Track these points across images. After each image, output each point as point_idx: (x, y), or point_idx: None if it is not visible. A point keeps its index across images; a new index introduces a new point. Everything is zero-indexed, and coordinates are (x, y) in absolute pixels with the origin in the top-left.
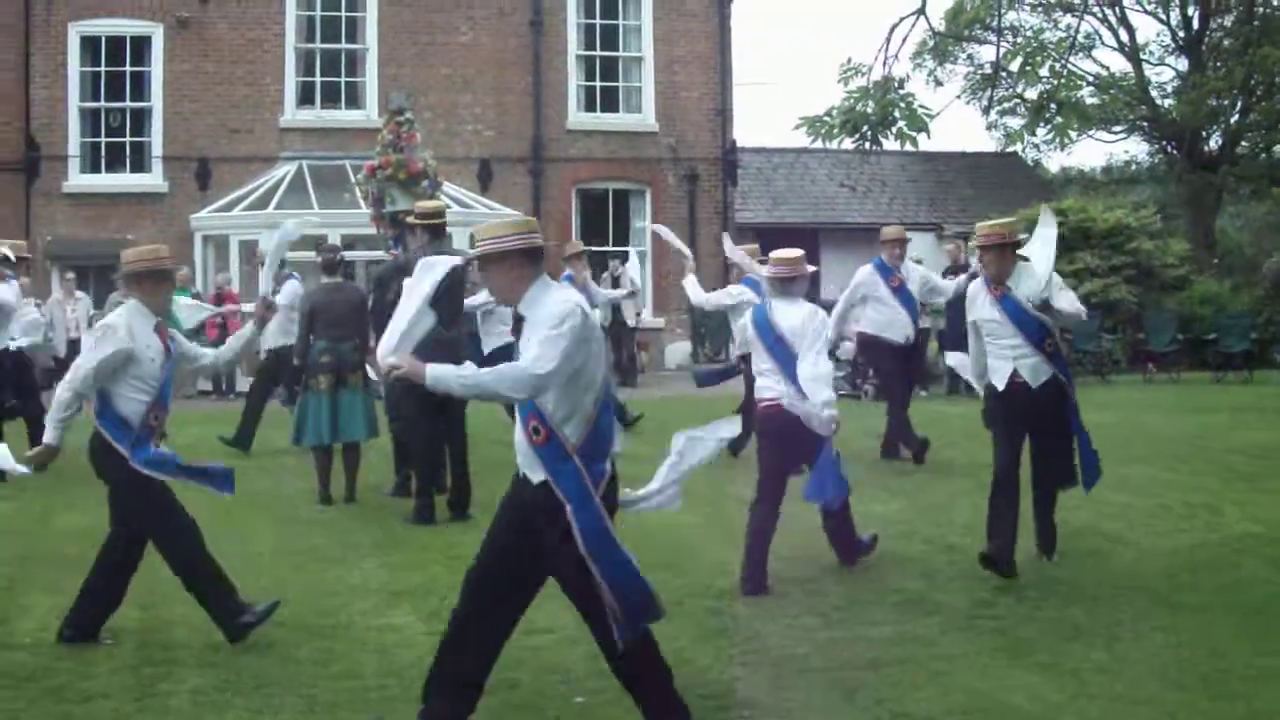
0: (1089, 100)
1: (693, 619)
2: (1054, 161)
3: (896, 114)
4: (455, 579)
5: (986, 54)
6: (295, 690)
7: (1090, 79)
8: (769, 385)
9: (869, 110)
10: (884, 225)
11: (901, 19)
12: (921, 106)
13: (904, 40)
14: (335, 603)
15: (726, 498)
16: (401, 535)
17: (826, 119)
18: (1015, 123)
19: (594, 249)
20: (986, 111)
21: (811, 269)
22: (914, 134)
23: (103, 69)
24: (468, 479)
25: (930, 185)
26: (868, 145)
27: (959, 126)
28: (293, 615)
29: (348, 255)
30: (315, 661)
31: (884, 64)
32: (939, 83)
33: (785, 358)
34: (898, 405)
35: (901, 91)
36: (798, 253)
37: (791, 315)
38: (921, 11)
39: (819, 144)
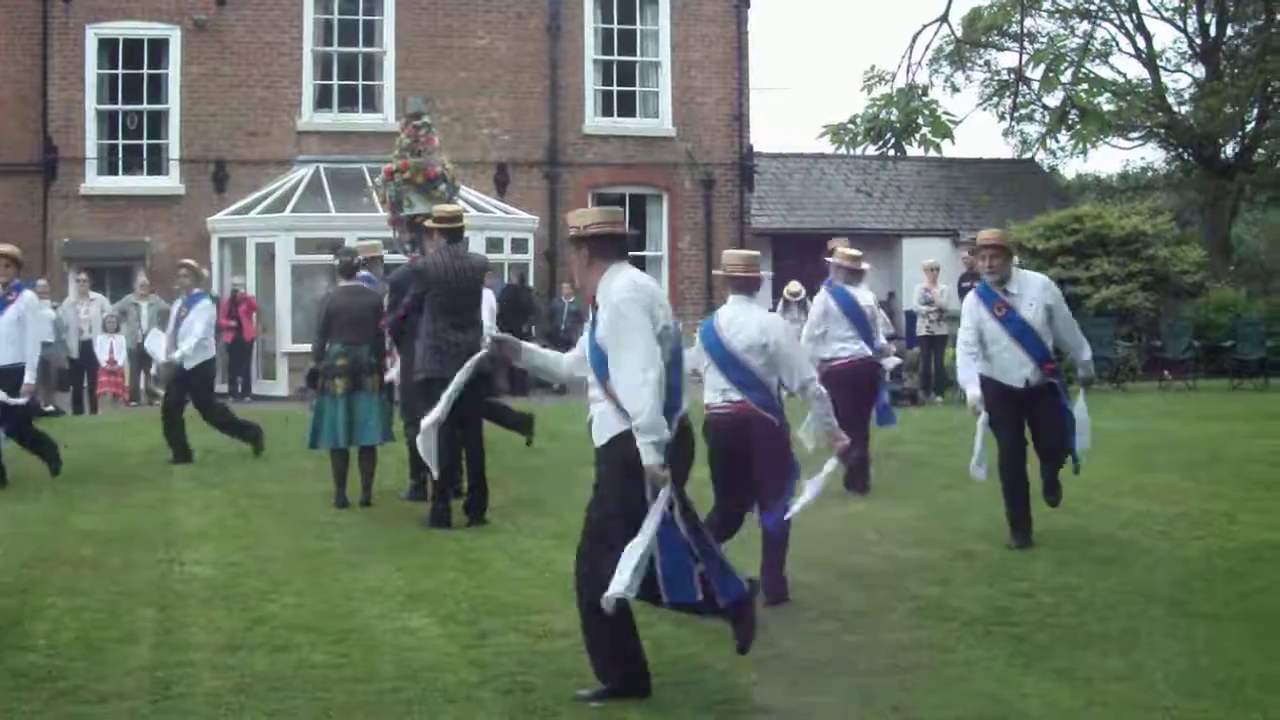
0: (1106, 107)
1: (708, 625)
2: (1070, 168)
3: (920, 121)
4: (471, 583)
5: (1004, 60)
6: (311, 694)
7: (1109, 85)
8: (848, 346)
9: (893, 118)
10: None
11: (925, 26)
12: (946, 113)
13: (927, 47)
14: (351, 606)
15: None
16: (417, 539)
17: (850, 127)
18: (1032, 129)
19: None
20: (1008, 118)
21: None
22: (937, 141)
23: (120, 71)
24: (485, 484)
25: (947, 191)
26: (892, 153)
27: (975, 132)
28: (308, 618)
29: (362, 260)
30: (331, 665)
31: (907, 71)
32: (955, 89)
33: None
34: None
35: (925, 98)
36: (856, 253)
37: (864, 296)
38: (944, 19)
39: (843, 150)
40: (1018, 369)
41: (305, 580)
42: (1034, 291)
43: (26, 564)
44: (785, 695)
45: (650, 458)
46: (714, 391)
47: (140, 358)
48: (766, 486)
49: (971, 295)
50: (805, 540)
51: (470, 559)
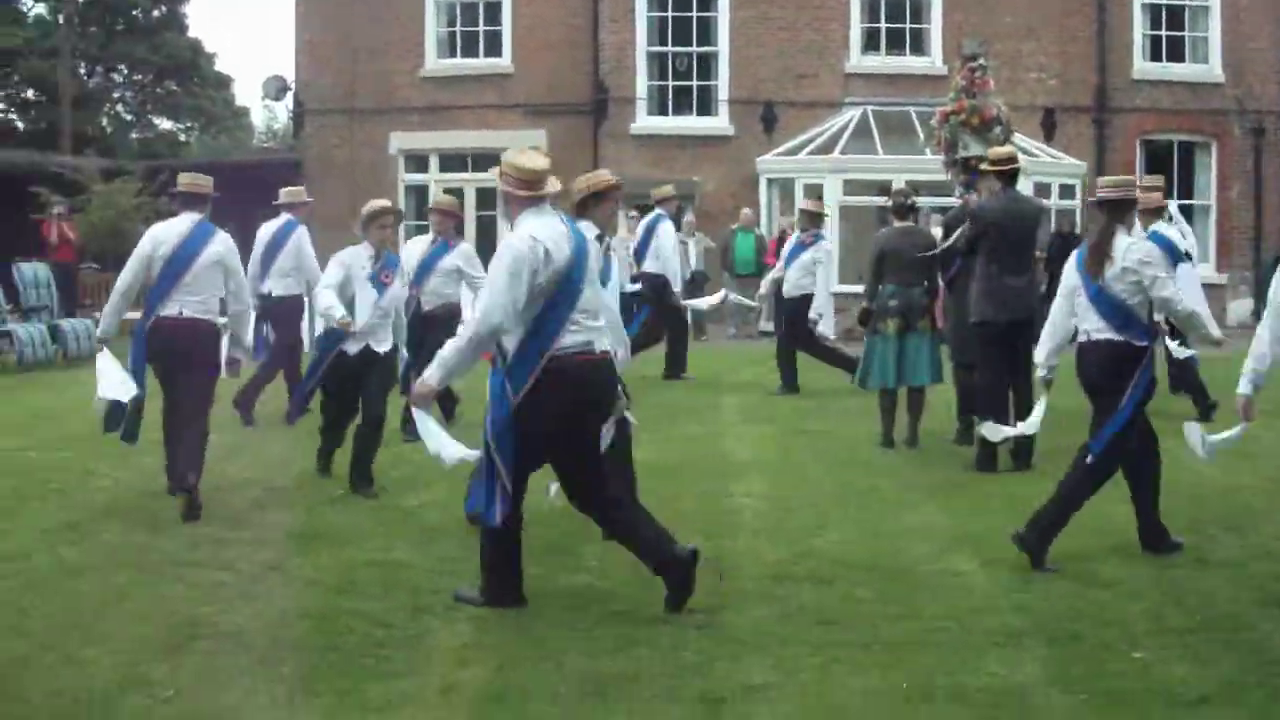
0: None
1: (1254, 583)
2: None
3: None
4: (1016, 527)
5: None
6: (855, 628)
7: None
8: None
9: None
10: None
11: None
12: None
13: None
14: (895, 545)
15: None
16: (962, 481)
17: None
18: None
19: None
20: None
21: None
22: None
23: (669, 14)
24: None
25: None
26: None
27: None
28: (853, 554)
29: (915, 201)
30: (875, 600)
31: None
32: None
33: None
34: None
35: None
36: None
37: None
38: None
39: None
40: None
41: (850, 517)
42: None
43: None
44: None
45: None
46: None
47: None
48: None
49: None
50: None
51: (1016, 503)
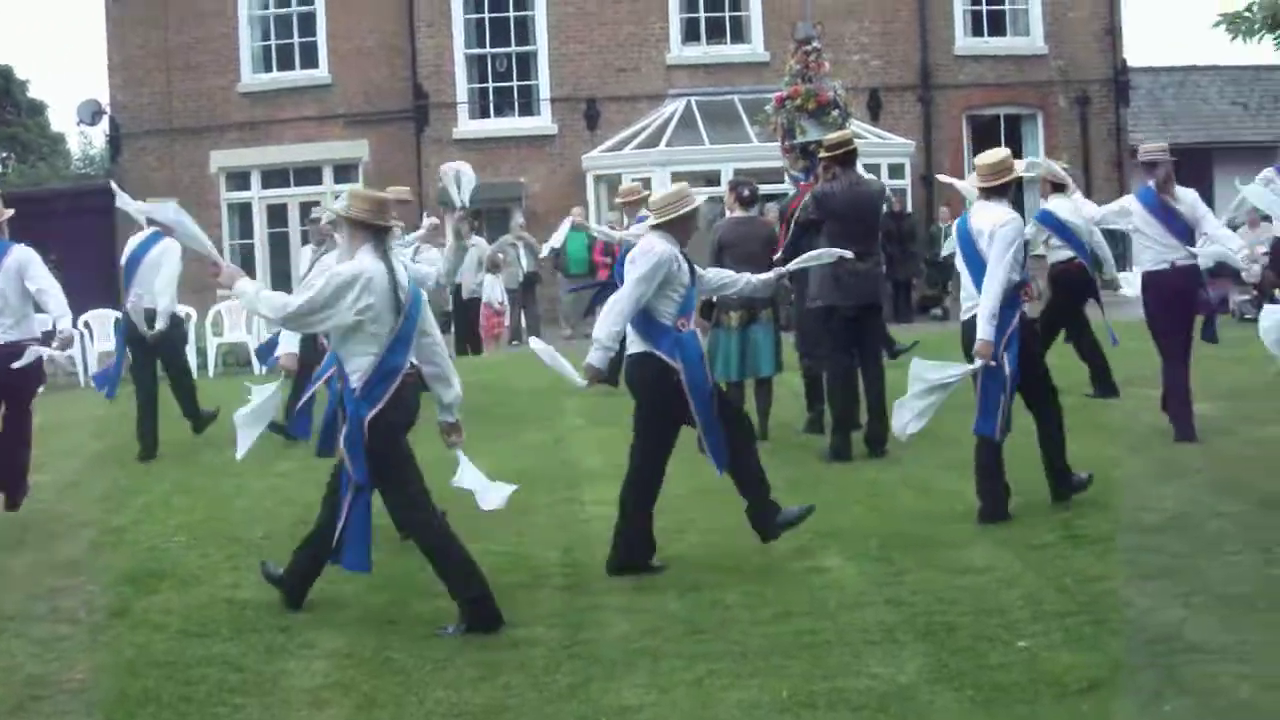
0: None
1: (1125, 558)
2: None
3: None
4: (878, 518)
5: None
6: (727, 636)
7: None
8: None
9: None
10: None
11: None
12: None
13: None
14: (759, 544)
15: (1152, 432)
16: (819, 473)
17: (1248, 15)
18: None
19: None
20: None
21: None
22: None
23: (486, 15)
24: (885, 414)
25: None
26: None
27: None
28: (717, 557)
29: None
30: (744, 605)
31: None
32: None
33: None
34: None
35: None
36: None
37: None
38: None
39: (1239, 40)
40: None
41: (708, 518)
42: None
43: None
44: (1219, 632)
45: None
46: None
47: (523, 297)
48: None
49: None
50: (1224, 466)
51: (875, 493)
